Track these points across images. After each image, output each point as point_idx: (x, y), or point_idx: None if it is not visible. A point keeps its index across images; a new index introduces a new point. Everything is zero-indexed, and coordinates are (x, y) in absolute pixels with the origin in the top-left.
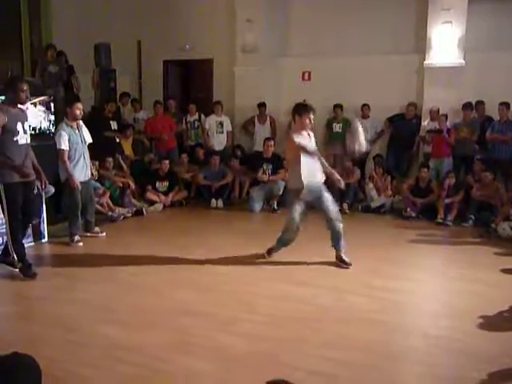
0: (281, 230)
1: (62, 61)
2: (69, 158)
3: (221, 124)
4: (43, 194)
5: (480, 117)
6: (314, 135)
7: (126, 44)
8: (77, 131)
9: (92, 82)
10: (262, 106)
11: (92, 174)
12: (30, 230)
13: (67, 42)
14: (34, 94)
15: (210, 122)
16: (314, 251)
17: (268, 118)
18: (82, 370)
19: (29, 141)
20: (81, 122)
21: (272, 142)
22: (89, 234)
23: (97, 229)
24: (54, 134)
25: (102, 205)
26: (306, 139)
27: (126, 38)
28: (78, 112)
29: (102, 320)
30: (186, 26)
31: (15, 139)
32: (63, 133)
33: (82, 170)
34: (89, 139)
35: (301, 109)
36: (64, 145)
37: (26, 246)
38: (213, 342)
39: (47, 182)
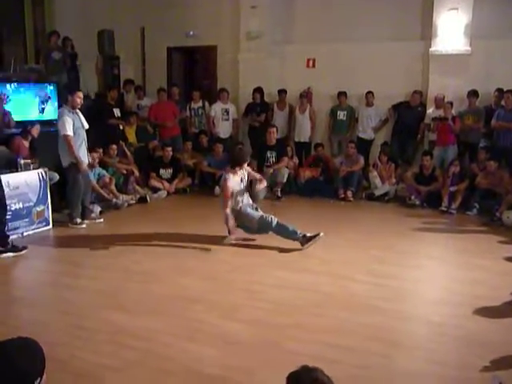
0: (285, 217)
1: (67, 47)
2: (73, 143)
3: (226, 111)
4: (47, 180)
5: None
6: (319, 122)
7: (130, 31)
8: (77, 116)
9: (96, 69)
10: (282, 92)
11: (89, 163)
12: (35, 217)
13: (71, 29)
14: (38, 81)
15: (216, 109)
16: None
17: (287, 105)
18: (85, 355)
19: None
20: (77, 109)
21: (275, 129)
22: (87, 221)
23: (93, 214)
24: (56, 120)
25: (107, 192)
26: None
27: (129, 25)
28: (78, 100)
29: (105, 306)
30: (189, 12)
31: None
32: (68, 118)
33: (84, 155)
34: (86, 125)
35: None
36: (70, 130)
37: (31, 232)
38: (216, 329)
39: None
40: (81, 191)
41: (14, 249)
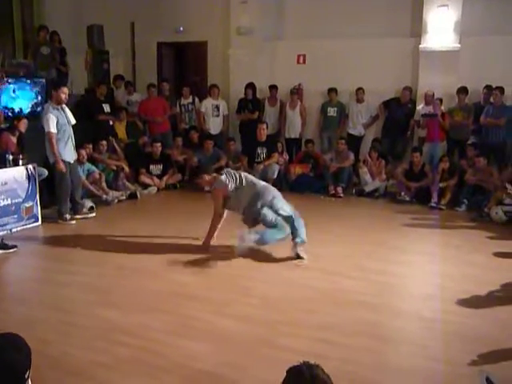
0: None
1: (54, 42)
2: (58, 139)
3: (217, 107)
4: (36, 176)
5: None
6: (309, 118)
7: (120, 26)
8: (62, 113)
9: (85, 64)
10: (273, 88)
11: (78, 158)
12: (23, 213)
13: (60, 23)
14: (27, 76)
15: (207, 105)
16: (307, 236)
17: (278, 101)
18: (77, 352)
19: None
20: (63, 104)
21: (265, 126)
22: (78, 216)
23: (84, 209)
24: (41, 116)
25: (97, 188)
26: None
27: (119, 20)
28: (63, 96)
29: (97, 302)
30: (179, 7)
31: None
32: (51, 115)
33: (70, 151)
34: (73, 120)
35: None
36: (53, 127)
37: (19, 228)
38: (209, 325)
39: None
40: (68, 187)
41: (4, 246)
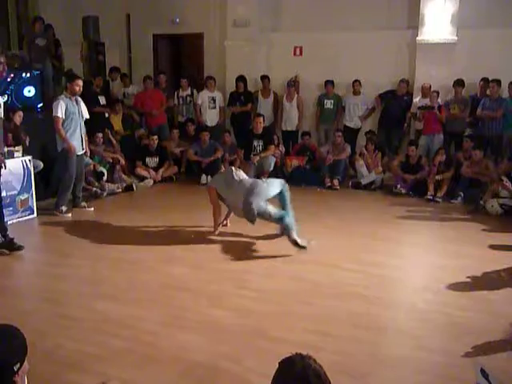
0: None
1: (50, 34)
2: (65, 127)
3: (213, 99)
4: (32, 168)
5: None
6: (306, 111)
7: (115, 17)
8: (75, 103)
9: (80, 56)
10: (264, 78)
11: (85, 151)
12: (19, 206)
13: (54, 15)
14: (21, 68)
15: (203, 97)
16: (303, 228)
17: (272, 93)
18: (72, 344)
19: (1, 115)
20: (79, 98)
21: (262, 119)
22: (76, 209)
23: (84, 203)
24: (40, 108)
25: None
26: None
27: (114, 11)
28: (77, 88)
29: (92, 295)
30: None
31: None
32: (61, 102)
33: (78, 142)
34: (86, 115)
35: None
36: (60, 112)
37: (15, 221)
38: (203, 317)
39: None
40: (72, 178)
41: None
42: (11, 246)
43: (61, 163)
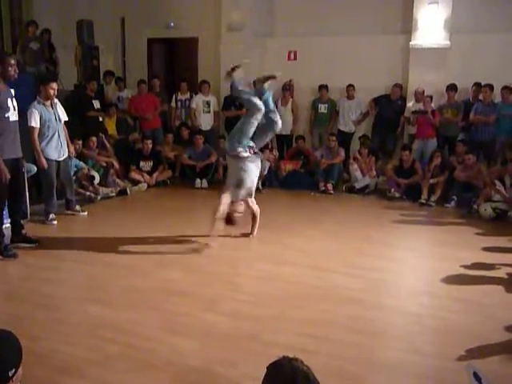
0: (267, 209)
1: (44, 38)
2: (41, 135)
3: (208, 104)
4: (25, 172)
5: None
6: (300, 115)
7: (110, 21)
8: (50, 109)
9: (75, 60)
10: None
11: (69, 153)
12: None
13: (49, 19)
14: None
15: (197, 101)
16: (297, 232)
17: None
18: (65, 349)
19: (17, 118)
20: (56, 100)
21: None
22: (69, 212)
23: (78, 207)
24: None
25: (86, 185)
26: None
27: (109, 15)
28: (51, 92)
29: (86, 299)
30: (170, 3)
31: (7, 116)
32: (34, 110)
33: (56, 148)
34: (64, 117)
35: None
36: (34, 122)
37: (7, 225)
38: (198, 321)
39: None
40: (51, 185)
41: (27, 240)
42: (29, 240)
43: (40, 172)
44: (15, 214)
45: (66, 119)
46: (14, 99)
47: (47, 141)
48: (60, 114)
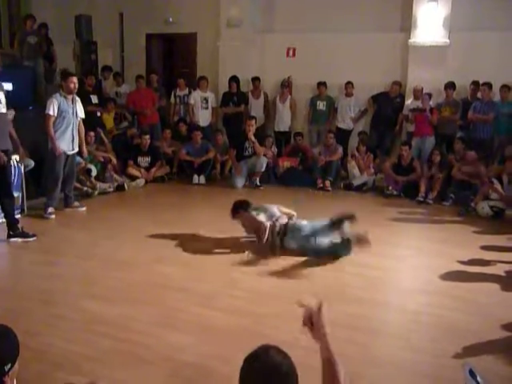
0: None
1: (42, 32)
2: (56, 125)
3: (206, 100)
4: (22, 167)
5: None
6: (298, 112)
7: (108, 16)
8: (70, 103)
9: (73, 55)
10: (256, 80)
11: (81, 153)
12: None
13: (47, 13)
14: (13, 65)
15: (195, 97)
16: None
17: (262, 94)
18: (62, 344)
19: (5, 110)
20: (76, 97)
21: (253, 122)
22: (68, 209)
23: (76, 203)
24: (31, 107)
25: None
26: None
27: (107, 10)
28: (72, 86)
29: (82, 294)
30: None
31: None
32: (54, 100)
33: (68, 141)
34: (81, 114)
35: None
36: (52, 110)
37: (5, 220)
38: (195, 317)
39: (25, 155)
40: (57, 179)
41: (24, 235)
42: (26, 235)
43: (48, 162)
44: (8, 207)
45: (83, 117)
46: (2, 93)
47: (61, 131)
48: (78, 110)
